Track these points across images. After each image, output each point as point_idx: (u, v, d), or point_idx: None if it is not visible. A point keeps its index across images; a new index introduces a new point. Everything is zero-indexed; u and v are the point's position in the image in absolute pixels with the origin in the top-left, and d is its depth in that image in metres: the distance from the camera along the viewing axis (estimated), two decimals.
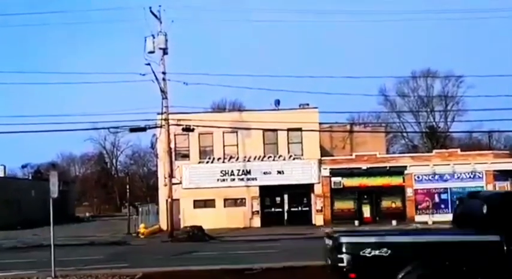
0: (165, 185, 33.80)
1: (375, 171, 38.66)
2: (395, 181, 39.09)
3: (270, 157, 39.00)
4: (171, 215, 32.66)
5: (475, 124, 53.06)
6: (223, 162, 39.12)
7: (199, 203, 39.15)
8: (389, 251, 10.09)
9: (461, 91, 65.27)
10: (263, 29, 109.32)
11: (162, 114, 32.69)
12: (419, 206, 38.89)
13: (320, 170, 38.59)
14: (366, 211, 39.09)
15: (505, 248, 10.04)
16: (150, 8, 31.33)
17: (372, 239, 10.50)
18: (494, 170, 38.51)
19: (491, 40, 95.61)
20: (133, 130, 33.93)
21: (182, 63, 56.21)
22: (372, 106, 73.39)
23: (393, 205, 39.60)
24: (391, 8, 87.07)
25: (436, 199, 38.91)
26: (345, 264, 10.16)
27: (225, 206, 39.29)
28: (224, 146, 39.53)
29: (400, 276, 10.01)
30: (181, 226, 34.39)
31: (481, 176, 38.75)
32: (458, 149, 42.53)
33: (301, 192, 39.55)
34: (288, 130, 38.29)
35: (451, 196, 38.67)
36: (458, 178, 38.78)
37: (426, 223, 36.15)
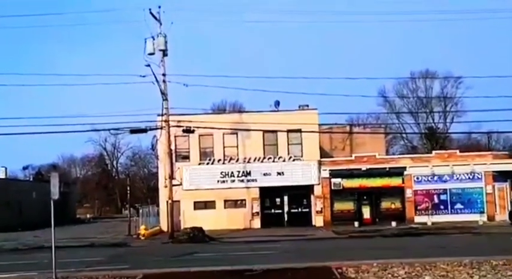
0: (166, 186, 33.83)
1: (374, 172, 38.72)
2: (395, 182, 39.15)
3: (270, 158, 39.08)
4: (171, 216, 32.72)
5: (474, 125, 53.03)
6: (224, 163, 39.21)
7: (199, 205, 39.23)
8: None
9: (460, 92, 65.62)
10: (263, 31, 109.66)
11: (162, 115, 32.73)
12: (418, 207, 38.94)
13: (320, 172, 38.66)
14: (366, 212, 39.14)
15: None
16: (150, 9, 31.40)
17: None
18: (494, 171, 38.56)
19: (490, 41, 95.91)
20: (134, 131, 33.96)
21: (182, 64, 56.40)
22: (371, 108, 73.37)
23: (393, 206, 39.67)
24: (390, 9, 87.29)
25: (436, 200, 38.98)
26: None
27: (225, 208, 39.36)
28: (224, 147, 39.61)
29: None
30: (182, 227, 34.46)
31: (480, 177, 38.81)
32: (458, 150, 42.51)
33: (301, 193, 39.63)
34: (288, 131, 38.40)
35: (450, 196, 38.89)
36: (458, 179, 38.85)
37: (425, 223, 36.29)
